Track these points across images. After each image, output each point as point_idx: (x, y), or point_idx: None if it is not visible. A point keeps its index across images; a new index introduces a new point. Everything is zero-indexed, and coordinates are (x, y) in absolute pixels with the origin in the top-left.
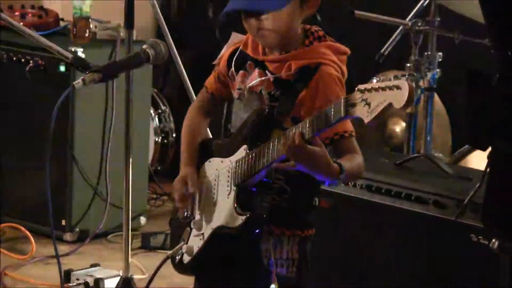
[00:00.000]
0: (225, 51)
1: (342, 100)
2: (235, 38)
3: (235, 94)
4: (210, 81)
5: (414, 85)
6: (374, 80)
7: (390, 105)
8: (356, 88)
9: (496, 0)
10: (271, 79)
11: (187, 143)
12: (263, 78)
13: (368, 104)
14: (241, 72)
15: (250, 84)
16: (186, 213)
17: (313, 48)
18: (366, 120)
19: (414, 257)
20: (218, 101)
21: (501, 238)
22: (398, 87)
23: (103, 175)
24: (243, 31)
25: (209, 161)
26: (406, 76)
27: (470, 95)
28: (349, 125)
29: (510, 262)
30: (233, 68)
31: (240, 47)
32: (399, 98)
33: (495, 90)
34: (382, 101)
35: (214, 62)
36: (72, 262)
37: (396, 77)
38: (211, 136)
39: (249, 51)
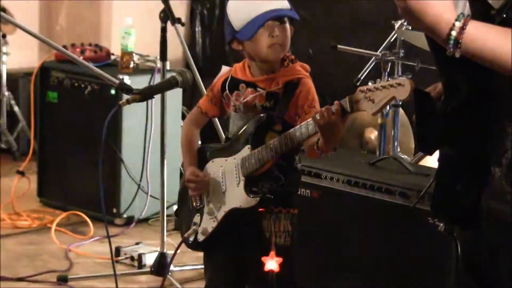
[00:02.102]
0: (218, 80)
1: (347, 99)
2: (225, 70)
3: (231, 109)
4: (203, 102)
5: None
6: (370, 83)
7: (393, 98)
8: (358, 89)
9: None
10: (264, 94)
11: (187, 149)
12: (256, 93)
13: (372, 100)
14: (235, 92)
15: (246, 100)
16: (197, 202)
17: (292, 67)
18: (371, 112)
19: (384, 235)
20: (208, 118)
21: (445, 221)
22: (400, 84)
23: (145, 173)
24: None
25: (212, 161)
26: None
27: (417, 109)
28: None
29: (455, 241)
30: (227, 90)
31: (231, 75)
32: (402, 93)
33: (440, 109)
34: (385, 96)
35: (207, 89)
36: (121, 240)
37: (394, 78)
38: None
39: (239, 76)
